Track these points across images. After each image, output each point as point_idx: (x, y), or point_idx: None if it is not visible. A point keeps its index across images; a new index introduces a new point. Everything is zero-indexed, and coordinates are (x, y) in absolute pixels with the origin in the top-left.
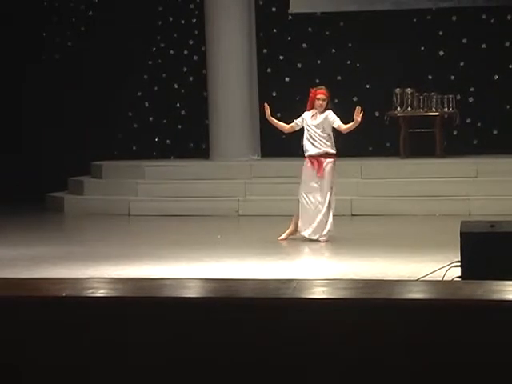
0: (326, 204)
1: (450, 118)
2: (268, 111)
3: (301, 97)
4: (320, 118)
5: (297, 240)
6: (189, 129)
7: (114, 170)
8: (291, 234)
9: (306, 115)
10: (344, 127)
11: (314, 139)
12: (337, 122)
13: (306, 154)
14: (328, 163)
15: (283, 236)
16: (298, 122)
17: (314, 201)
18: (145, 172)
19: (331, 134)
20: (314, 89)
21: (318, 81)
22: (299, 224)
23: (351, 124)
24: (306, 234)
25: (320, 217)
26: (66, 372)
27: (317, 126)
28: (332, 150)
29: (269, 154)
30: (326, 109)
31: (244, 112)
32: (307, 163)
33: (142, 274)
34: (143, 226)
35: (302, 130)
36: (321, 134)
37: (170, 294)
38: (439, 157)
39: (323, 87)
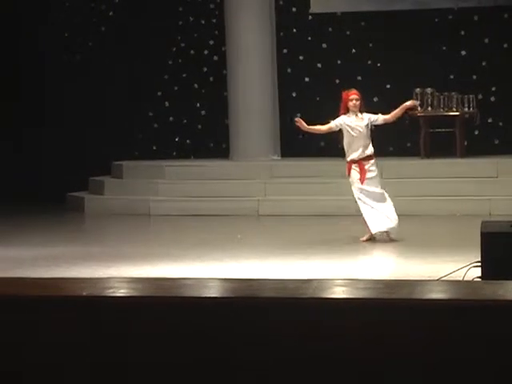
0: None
1: (470, 118)
2: (303, 124)
3: (321, 97)
4: (365, 119)
5: (318, 240)
6: (209, 129)
7: (134, 169)
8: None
9: (346, 119)
10: (388, 116)
11: (359, 142)
12: (381, 116)
13: (354, 158)
14: (371, 164)
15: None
16: (336, 123)
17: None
18: (165, 172)
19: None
20: (346, 91)
21: (338, 81)
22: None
23: (397, 110)
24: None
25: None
26: (86, 371)
27: (364, 127)
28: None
29: (289, 154)
30: (361, 110)
31: (264, 112)
32: (355, 167)
33: (163, 273)
34: (163, 226)
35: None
36: (367, 135)
37: (190, 294)
38: (460, 157)
39: (354, 89)
